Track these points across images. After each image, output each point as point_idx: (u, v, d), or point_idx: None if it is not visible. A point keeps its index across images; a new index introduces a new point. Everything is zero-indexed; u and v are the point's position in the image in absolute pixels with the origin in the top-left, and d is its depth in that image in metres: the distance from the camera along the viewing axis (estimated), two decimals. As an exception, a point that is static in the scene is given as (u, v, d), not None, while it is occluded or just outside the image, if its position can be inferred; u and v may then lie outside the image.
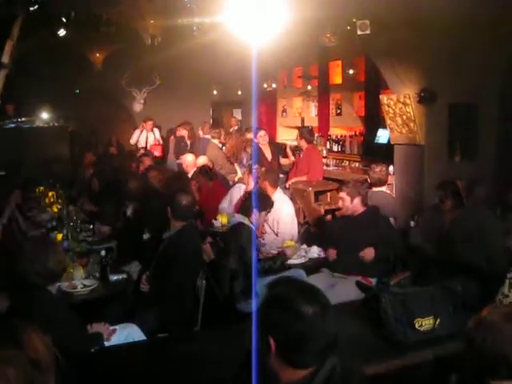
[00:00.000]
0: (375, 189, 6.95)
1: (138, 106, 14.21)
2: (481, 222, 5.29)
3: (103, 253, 5.16)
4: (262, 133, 9.67)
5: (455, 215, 5.73)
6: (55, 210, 7.72)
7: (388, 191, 7.30)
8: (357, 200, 5.71)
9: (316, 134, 12.66)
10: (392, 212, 6.69)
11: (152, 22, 8.39)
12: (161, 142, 13.22)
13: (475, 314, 2.47)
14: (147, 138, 13.16)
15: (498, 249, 5.05)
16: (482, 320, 2.34)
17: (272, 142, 9.74)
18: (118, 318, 4.56)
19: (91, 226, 6.90)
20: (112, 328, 4.20)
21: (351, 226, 5.70)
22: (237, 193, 7.67)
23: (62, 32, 7.56)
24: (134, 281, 5.30)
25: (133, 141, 13.29)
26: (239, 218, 5.54)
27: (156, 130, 13.36)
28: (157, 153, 12.41)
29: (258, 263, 5.46)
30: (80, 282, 4.95)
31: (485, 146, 8.20)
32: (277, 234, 6.73)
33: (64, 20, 7.30)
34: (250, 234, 5.40)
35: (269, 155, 9.60)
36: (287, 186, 8.91)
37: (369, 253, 5.47)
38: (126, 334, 4.26)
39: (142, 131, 13.18)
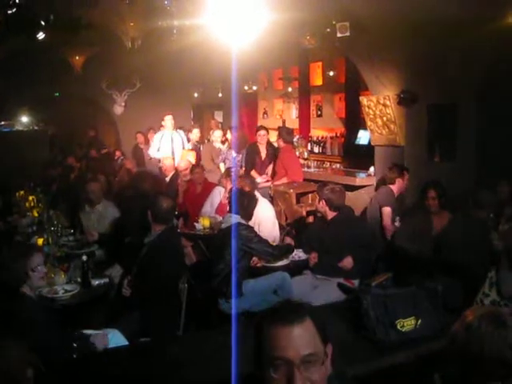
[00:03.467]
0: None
1: (118, 109, 14.16)
2: (470, 231, 5.31)
3: (84, 257, 5.11)
4: (262, 132, 9.67)
5: (445, 219, 5.81)
6: (36, 214, 7.65)
7: (392, 187, 7.35)
8: (322, 203, 5.75)
9: (297, 136, 12.69)
10: (386, 203, 7.01)
11: (132, 24, 8.36)
12: (186, 145, 11.32)
13: (456, 314, 2.48)
14: (173, 142, 10.93)
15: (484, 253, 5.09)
16: (467, 323, 2.34)
17: (270, 144, 9.74)
18: (100, 322, 4.53)
19: (72, 231, 6.85)
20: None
21: (327, 231, 5.72)
22: (216, 196, 7.66)
23: (41, 35, 7.53)
24: (115, 285, 5.27)
25: (152, 152, 11.10)
26: (236, 218, 5.48)
27: (181, 132, 11.62)
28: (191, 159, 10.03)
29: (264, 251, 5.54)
30: (61, 287, 4.89)
31: (464, 147, 8.26)
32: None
33: (43, 23, 7.25)
34: (249, 234, 5.42)
35: (263, 155, 9.58)
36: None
37: (347, 262, 5.50)
38: (109, 339, 4.23)
39: (162, 135, 11.03)
